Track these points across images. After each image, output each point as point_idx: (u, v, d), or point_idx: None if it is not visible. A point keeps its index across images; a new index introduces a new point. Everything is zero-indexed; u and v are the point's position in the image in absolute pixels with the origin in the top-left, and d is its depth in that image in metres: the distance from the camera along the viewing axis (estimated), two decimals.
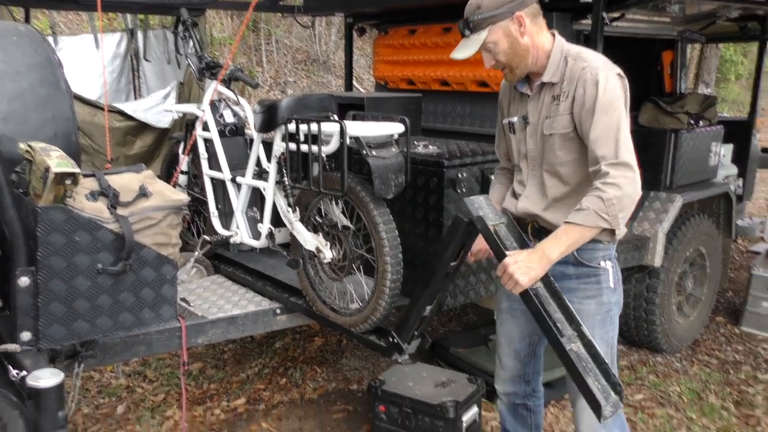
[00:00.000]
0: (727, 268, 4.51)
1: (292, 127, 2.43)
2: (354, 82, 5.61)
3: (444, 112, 3.83)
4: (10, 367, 1.81)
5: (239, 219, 2.90)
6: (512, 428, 2.31)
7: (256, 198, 2.90)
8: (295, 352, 3.79)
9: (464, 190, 2.74)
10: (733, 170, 4.38)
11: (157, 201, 2.05)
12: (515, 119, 2.04)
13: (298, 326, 3.97)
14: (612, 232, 1.78)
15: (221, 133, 3.00)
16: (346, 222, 2.51)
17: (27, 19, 3.87)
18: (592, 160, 1.79)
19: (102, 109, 3.47)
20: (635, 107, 3.57)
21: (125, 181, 2.04)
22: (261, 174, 2.82)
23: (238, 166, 2.96)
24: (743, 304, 4.28)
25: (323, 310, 2.65)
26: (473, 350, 3.50)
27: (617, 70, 1.84)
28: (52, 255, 1.84)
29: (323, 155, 2.34)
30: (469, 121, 3.68)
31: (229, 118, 3.06)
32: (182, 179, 3.20)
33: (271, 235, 2.76)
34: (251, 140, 2.85)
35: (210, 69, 3.04)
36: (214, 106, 3.03)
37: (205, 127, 3.02)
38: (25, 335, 1.86)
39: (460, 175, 2.73)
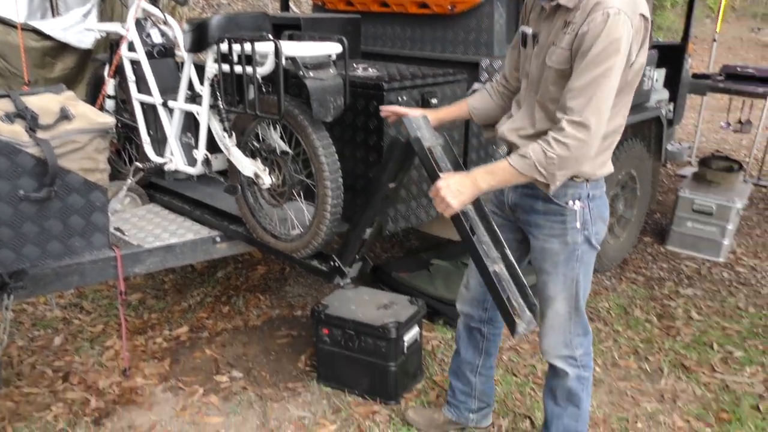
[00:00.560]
0: (656, 191, 4.71)
1: (224, 47, 2.32)
2: (291, 5, 5.38)
3: (384, 35, 3.73)
4: None
5: (173, 145, 2.80)
6: (464, 347, 2.37)
7: (190, 123, 2.80)
8: (237, 281, 3.78)
9: None
10: (665, 95, 4.50)
11: (80, 124, 1.94)
12: (530, 32, 1.88)
13: (240, 255, 3.95)
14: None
15: (149, 55, 2.84)
16: (285, 147, 2.46)
17: None
18: (560, 105, 1.72)
19: (15, 27, 3.20)
20: None
21: (44, 103, 1.92)
22: (194, 98, 2.70)
23: (169, 89, 2.83)
24: (669, 224, 4.51)
25: (264, 236, 2.62)
26: (415, 275, 3.58)
27: (640, 9, 1.67)
28: None
29: (258, 77, 2.25)
30: (410, 45, 3.60)
31: (156, 38, 2.89)
32: (109, 104, 3.04)
33: (207, 162, 2.68)
34: (182, 63, 2.71)
35: None
36: (139, 25, 2.85)
37: (131, 48, 2.84)
38: None
39: (400, 99, 2.69)
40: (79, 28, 3.65)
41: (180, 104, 2.71)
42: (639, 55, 1.73)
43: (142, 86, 2.88)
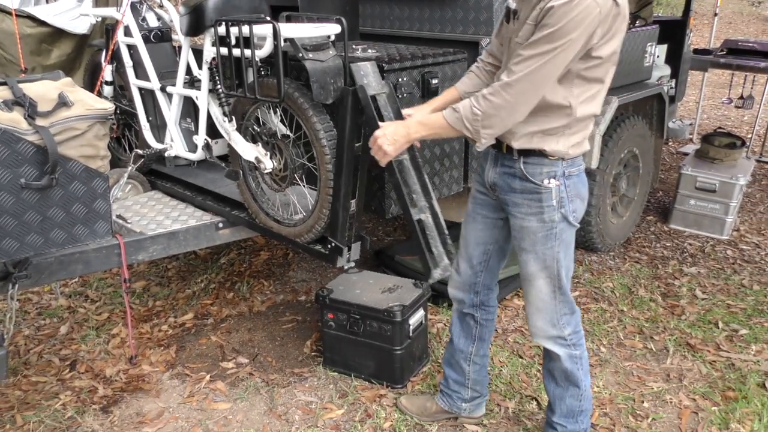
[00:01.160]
0: (658, 169, 4.69)
1: (221, 30, 2.29)
2: None
3: (382, 15, 3.69)
4: None
5: (173, 131, 2.77)
6: (456, 335, 2.36)
7: (190, 108, 2.77)
8: (241, 267, 3.78)
9: (405, 95, 2.69)
10: (667, 71, 4.46)
11: (79, 110, 1.92)
12: (513, 6, 1.87)
13: (243, 241, 3.94)
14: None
15: (146, 39, 2.80)
16: (286, 130, 2.44)
17: None
18: (504, 65, 1.74)
19: (9, 13, 3.16)
20: None
21: (42, 90, 1.90)
22: (192, 82, 2.67)
23: (167, 74, 2.80)
24: (672, 202, 4.49)
25: (266, 221, 2.61)
26: (418, 257, 3.56)
27: None
28: None
29: (257, 60, 2.22)
30: (409, 24, 3.56)
31: (152, 21, 2.85)
32: (107, 90, 3.01)
33: (207, 147, 2.66)
34: (180, 47, 2.68)
35: None
36: (135, 9, 2.81)
37: (127, 32, 2.81)
38: None
39: (400, 80, 2.66)
40: (74, 14, 3.61)
41: (179, 89, 2.68)
42: (606, 44, 1.70)
43: (140, 71, 2.85)
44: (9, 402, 2.56)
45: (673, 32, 4.52)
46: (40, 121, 1.83)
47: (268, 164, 2.43)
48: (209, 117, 2.57)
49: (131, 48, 2.84)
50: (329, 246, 2.44)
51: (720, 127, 6.47)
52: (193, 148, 2.74)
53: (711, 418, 2.51)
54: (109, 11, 2.91)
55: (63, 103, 1.89)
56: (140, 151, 2.88)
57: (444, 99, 2.17)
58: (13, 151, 1.77)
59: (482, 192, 2.12)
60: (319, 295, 2.76)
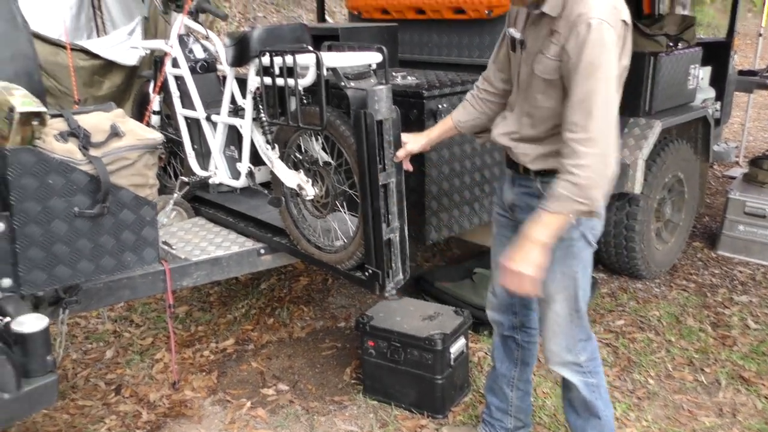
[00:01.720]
0: (704, 193, 4.57)
1: (265, 60, 2.34)
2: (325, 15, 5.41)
3: (420, 42, 3.72)
4: None
5: (217, 159, 2.83)
6: (499, 359, 2.32)
7: (234, 136, 2.83)
8: (281, 293, 3.80)
9: None
10: (711, 93, 4.37)
11: (130, 140, 1.98)
12: (518, 36, 1.88)
13: (283, 266, 3.97)
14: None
15: (192, 70, 2.88)
16: (327, 157, 2.46)
17: None
18: (564, 122, 1.71)
19: (64, 47, 3.30)
20: None
21: (95, 121, 1.96)
22: (237, 111, 2.73)
23: (212, 103, 2.87)
24: (719, 228, 4.36)
25: (308, 248, 2.62)
26: (458, 284, 3.53)
27: (622, 16, 1.68)
28: (26, 199, 1.78)
29: (300, 88, 2.26)
30: (447, 51, 3.58)
31: (199, 53, 2.94)
32: (155, 119, 3.09)
33: (251, 174, 2.71)
34: (224, 76, 2.75)
35: (175, 1, 2.89)
36: (182, 41, 2.90)
37: (175, 64, 2.89)
38: (6, 282, 1.81)
39: (440, 106, 2.67)
40: (124, 46, 3.75)
41: (223, 118, 2.74)
42: (621, 60, 1.73)
43: (186, 101, 2.92)
44: (57, 425, 2.61)
45: (716, 54, 4.44)
46: (93, 152, 1.89)
47: (309, 191, 2.45)
48: (252, 145, 2.62)
49: (178, 79, 2.92)
50: (368, 273, 2.43)
51: None
52: (236, 175, 2.79)
53: None
54: (158, 44, 3.01)
55: (115, 133, 1.95)
56: (185, 179, 2.95)
57: (440, 128, 2.22)
58: (68, 181, 1.83)
59: (502, 214, 2.13)
60: (359, 321, 2.75)
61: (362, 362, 2.77)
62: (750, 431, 2.54)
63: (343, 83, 2.21)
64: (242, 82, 2.65)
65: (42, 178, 1.79)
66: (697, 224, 4.76)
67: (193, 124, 2.94)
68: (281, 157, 2.53)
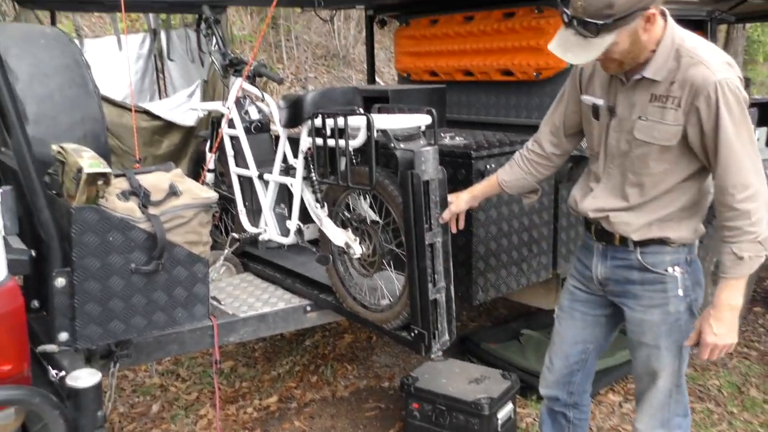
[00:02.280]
0: None
1: (318, 121, 2.41)
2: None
3: (468, 103, 3.78)
4: (49, 368, 1.82)
5: (267, 216, 2.89)
6: None
7: (284, 194, 2.89)
8: (325, 350, 3.78)
9: None
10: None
11: (187, 199, 2.04)
12: (601, 102, 1.83)
13: (328, 323, 3.96)
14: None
15: (247, 130, 2.99)
16: (375, 216, 2.48)
17: (53, 22, 3.91)
18: (719, 188, 1.67)
19: (129, 109, 3.49)
20: None
21: (155, 180, 2.04)
22: (288, 170, 2.80)
23: (264, 162, 2.95)
24: None
25: (354, 306, 2.62)
26: (505, 345, 3.45)
27: (737, 72, 1.67)
28: (87, 255, 1.85)
29: (350, 149, 2.31)
30: (494, 111, 3.62)
31: (254, 114, 3.05)
32: (209, 177, 3.20)
33: (299, 232, 2.75)
34: (277, 136, 2.84)
35: (234, 66, 3.03)
36: (239, 103, 3.02)
37: (231, 125, 3.01)
38: (63, 335, 1.87)
39: (488, 167, 2.68)
40: (184, 108, 3.93)
41: (275, 177, 2.82)
42: None
43: (240, 160, 3.02)
44: None
45: None
46: (152, 210, 1.96)
47: (357, 249, 2.47)
48: (302, 203, 2.67)
49: (233, 138, 3.03)
50: (414, 333, 2.40)
51: None
52: (285, 232, 2.84)
53: None
54: (216, 105, 3.15)
55: (173, 192, 2.02)
56: (236, 235, 3.02)
57: (483, 185, 2.21)
58: (127, 238, 1.90)
59: (582, 288, 2.04)
60: (403, 382, 2.70)
61: (406, 424, 2.71)
62: None
63: (392, 144, 2.25)
64: (294, 142, 2.73)
65: (103, 236, 1.86)
66: (758, 288, 4.55)
67: (246, 182, 3.03)
68: (330, 216, 2.57)
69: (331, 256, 2.63)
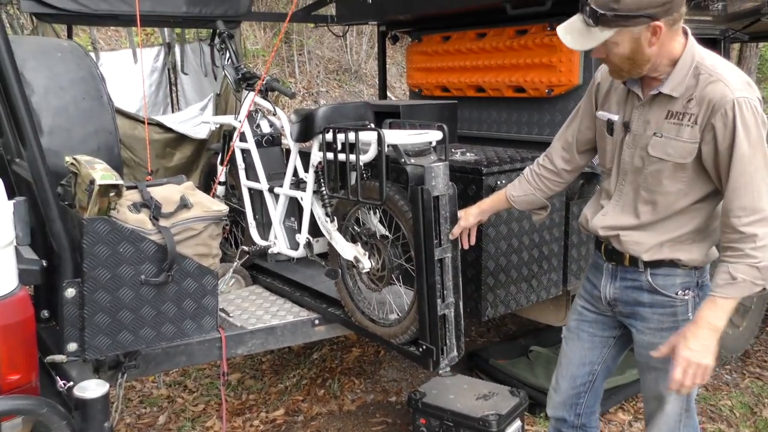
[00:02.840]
0: None
1: (329, 136, 2.42)
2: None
3: (480, 119, 3.79)
4: (58, 378, 1.83)
5: (277, 229, 2.90)
6: None
7: (294, 208, 2.90)
8: (332, 363, 3.77)
9: None
10: None
11: (197, 212, 2.06)
12: (616, 118, 1.81)
13: (336, 337, 3.96)
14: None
15: (258, 144, 3.02)
16: (385, 231, 2.49)
17: (69, 36, 3.97)
18: (726, 209, 1.64)
19: (142, 122, 3.53)
20: None
21: (166, 193, 2.06)
22: (298, 184, 2.81)
23: (275, 176, 2.97)
24: None
25: (362, 320, 2.62)
26: (513, 361, 3.43)
27: (757, 93, 1.63)
28: (97, 266, 1.86)
29: (361, 164, 2.32)
30: (506, 127, 3.62)
31: (265, 128, 3.08)
32: (220, 190, 3.23)
33: (309, 245, 2.75)
34: (288, 150, 2.85)
35: (247, 80, 3.06)
36: (250, 117, 3.05)
37: (243, 138, 3.03)
38: (72, 346, 1.88)
39: (499, 183, 2.68)
40: (196, 121, 3.97)
41: (285, 190, 2.83)
42: None
43: (251, 173, 3.04)
44: None
45: None
46: (163, 222, 1.98)
47: (366, 264, 2.47)
48: (312, 216, 2.68)
49: (244, 152, 3.06)
50: (422, 348, 2.39)
51: None
52: (295, 245, 2.85)
53: None
54: (228, 119, 3.17)
55: (184, 205, 2.04)
56: (246, 248, 3.03)
57: (492, 199, 2.20)
58: (137, 250, 1.91)
59: (591, 309, 2.01)
60: (411, 398, 2.69)
61: None
62: None
63: (403, 159, 2.26)
64: (305, 156, 2.74)
65: (114, 247, 1.88)
66: None
67: (256, 195, 3.05)
68: (339, 230, 2.57)
69: (340, 270, 2.63)
